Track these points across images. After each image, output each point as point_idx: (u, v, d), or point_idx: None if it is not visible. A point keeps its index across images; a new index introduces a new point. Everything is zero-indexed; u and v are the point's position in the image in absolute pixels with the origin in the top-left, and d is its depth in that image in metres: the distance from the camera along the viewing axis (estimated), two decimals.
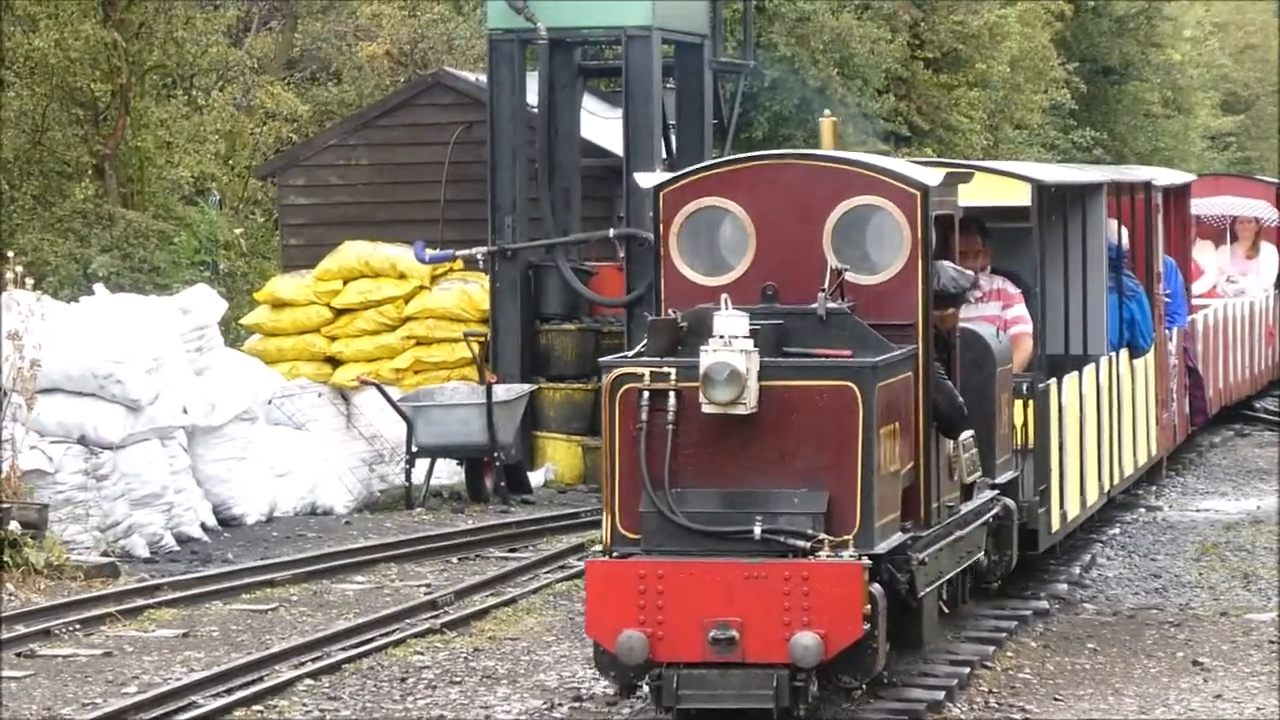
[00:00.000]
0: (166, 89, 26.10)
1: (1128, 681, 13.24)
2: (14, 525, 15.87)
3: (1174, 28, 47.10)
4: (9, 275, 17.57)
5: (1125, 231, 17.78)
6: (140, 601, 15.38)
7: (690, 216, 12.66)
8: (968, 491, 13.84)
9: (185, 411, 18.33)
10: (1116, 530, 18.98)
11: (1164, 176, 21.15)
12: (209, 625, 14.87)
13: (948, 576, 13.13)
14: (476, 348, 20.06)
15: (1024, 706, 12.64)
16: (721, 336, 11.20)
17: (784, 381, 11.56)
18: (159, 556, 17.54)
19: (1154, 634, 14.79)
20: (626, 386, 11.65)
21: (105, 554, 16.92)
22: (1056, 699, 12.82)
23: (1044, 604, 15.71)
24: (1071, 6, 37.94)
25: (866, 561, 11.25)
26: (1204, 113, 50.39)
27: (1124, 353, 18.31)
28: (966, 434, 13.64)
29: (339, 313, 20.80)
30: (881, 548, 11.56)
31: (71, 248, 24.02)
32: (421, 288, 20.58)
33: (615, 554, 11.68)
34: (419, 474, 19.66)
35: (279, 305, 21.04)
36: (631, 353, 12.75)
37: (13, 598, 15.21)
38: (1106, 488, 17.68)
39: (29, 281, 18.06)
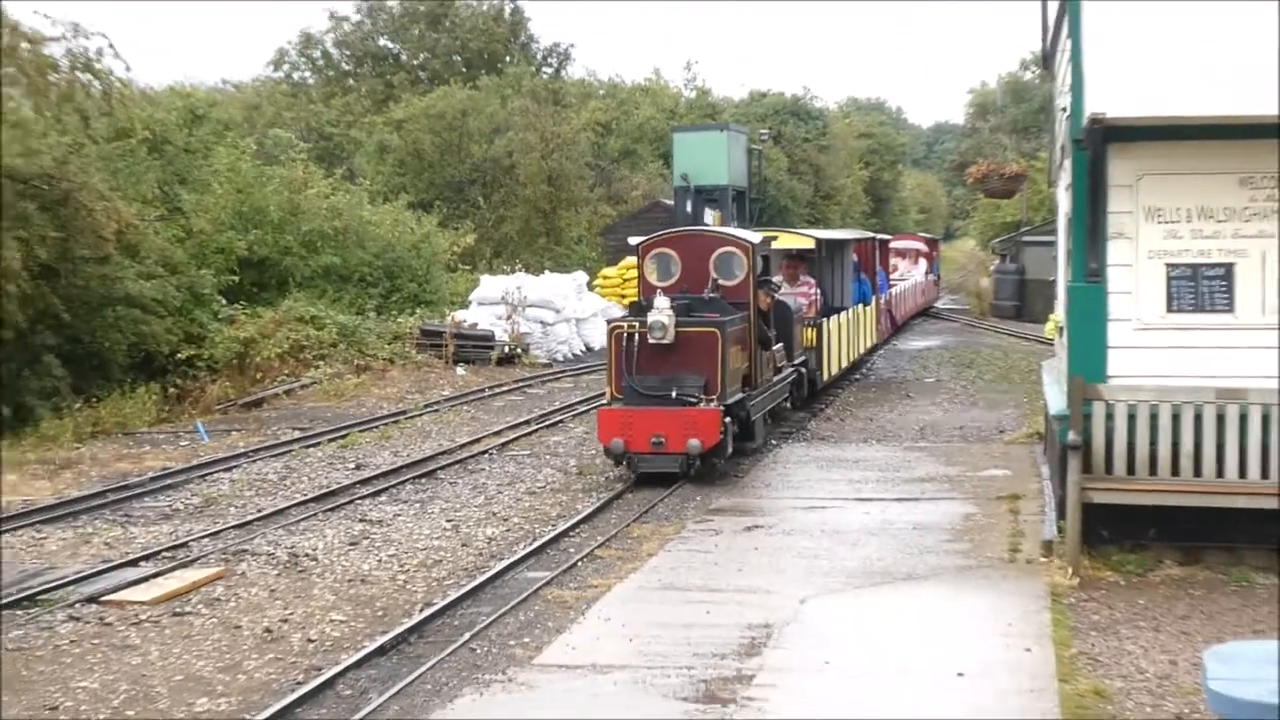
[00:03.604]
0: (570, 209, 56.97)
1: (882, 404, 27.76)
2: (518, 350, 37.10)
3: (902, 186, 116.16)
4: (519, 268, 43.57)
5: (858, 259, 31.92)
6: (558, 376, 34.42)
7: (654, 255, 20.53)
8: (780, 370, 22.42)
9: (575, 312, 39.58)
10: (881, 354, 38.05)
11: (881, 236, 41.45)
12: (584, 384, 32.59)
13: (767, 409, 21.65)
14: None
15: (852, 410, 26.65)
16: (659, 308, 18.99)
17: (687, 329, 19.10)
18: (565, 360, 38.01)
19: (894, 388, 30.90)
20: (617, 330, 19.35)
21: (547, 362, 37.51)
22: (860, 409, 26.79)
23: (857, 378, 31.99)
24: (868, 177, 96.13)
25: (721, 408, 18.92)
26: (914, 213, 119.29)
27: (860, 305, 30.45)
28: (778, 346, 22.12)
29: (624, 281, 43.11)
30: (729, 401, 19.23)
31: (538, 259, 52.24)
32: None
33: (611, 405, 19.29)
34: None
35: (605, 278, 44.82)
36: (623, 315, 20.72)
37: (519, 373, 34.86)
38: (851, 360, 29.17)
39: (521, 269, 43.54)
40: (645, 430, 18.60)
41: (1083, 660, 11.06)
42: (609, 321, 19.85)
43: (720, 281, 20.19)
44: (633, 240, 22.20)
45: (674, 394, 18.76)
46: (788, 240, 26.70)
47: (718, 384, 18.87)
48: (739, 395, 19.65)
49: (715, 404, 18.77)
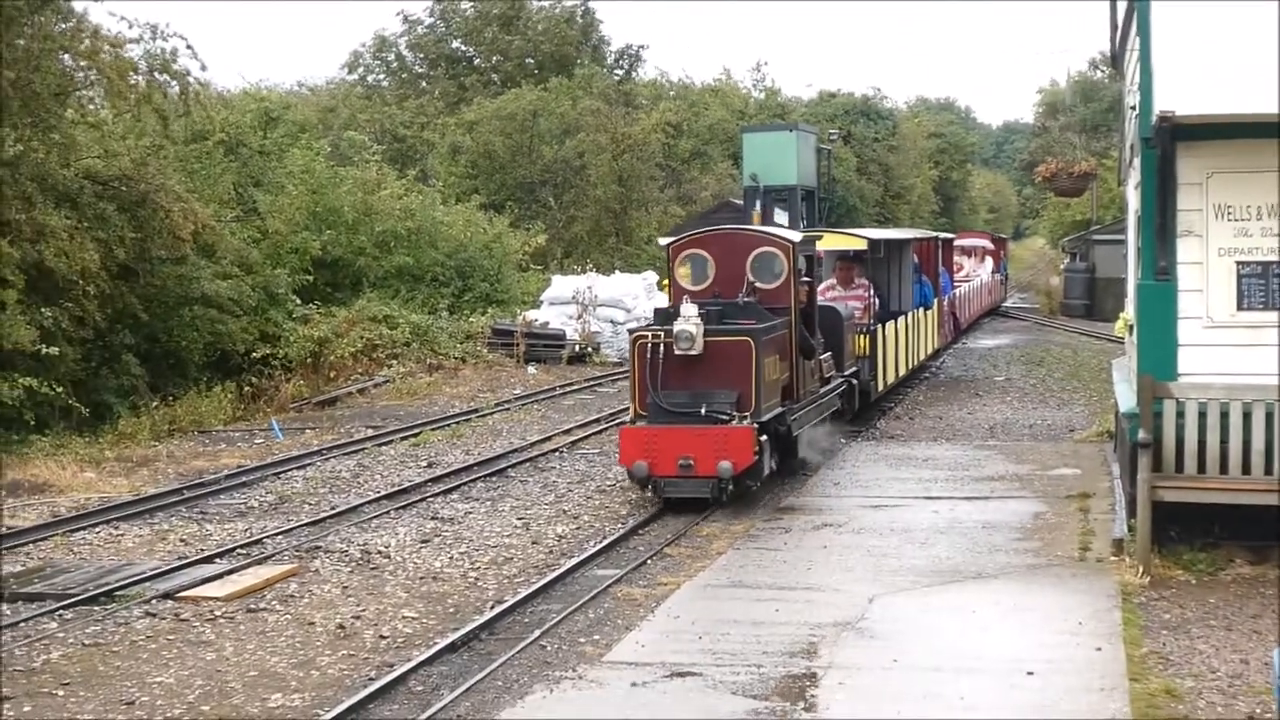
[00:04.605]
0: (639, 211, 56.01)
1: (951, 402, 28.16)
2: (589, 349, 37.60)
3: (971, 185, 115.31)
4: (590, 268, 42.07)
5: (918, 259, 29.92)
6: (629, 375, 26.46)
7: (685, 256, 18.97)
8: (827, 381, 20.70)
9: (645, 311, 36.86)
10: (950, 352, 37.99)
11: (944, 235, 37.31)
12: None
13: (812, 423, 19.77)
14: None
15: (921, 409, 27.08)
16: (685, 316, 17.28)
17: (717, 337, 17.35)
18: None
19: (963, 386, 31.18)
20: (640, 340, 17.54)
21: (618, 360, 37.01)
22: (929, 408, 27.32)
23: (926, 377, 31.95)
24: (937, 176, 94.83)
25: (755, 425, 17.12)
26: (983, 212, 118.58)
27: (921, 309, 29.23)
28: (825, 355, 20.38)
29: None
30: (766, 417, 17.45)
31: (608, 259, 51.46)
32: None
33: (634, 423, 17.44)
34: None
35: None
36: (645, 323, 19.13)
37: (590, 372, 35.21)
38: (911, 367, 28.00)
39: (592, 269, 42.23)
40: (671, 451, 16.95)
41: (1153, 659, 11.05)
42: (630, 331, 18.40)
43: (757, 284, 18.69)
44: (662, 241, 20.62)
45: (703, 410, 17.10)
46: (835, 240, 25.16)
47: (752, 398, 17.19)
48: (778, 410, 18.06)
49: (749, 421, 17.12)
